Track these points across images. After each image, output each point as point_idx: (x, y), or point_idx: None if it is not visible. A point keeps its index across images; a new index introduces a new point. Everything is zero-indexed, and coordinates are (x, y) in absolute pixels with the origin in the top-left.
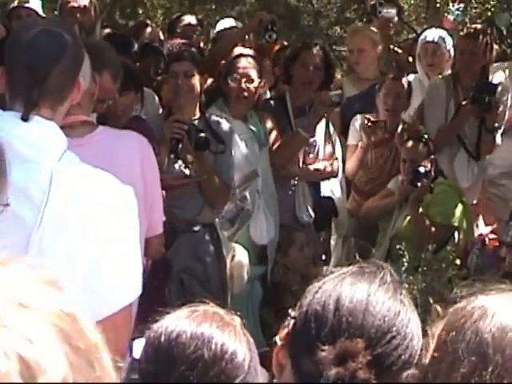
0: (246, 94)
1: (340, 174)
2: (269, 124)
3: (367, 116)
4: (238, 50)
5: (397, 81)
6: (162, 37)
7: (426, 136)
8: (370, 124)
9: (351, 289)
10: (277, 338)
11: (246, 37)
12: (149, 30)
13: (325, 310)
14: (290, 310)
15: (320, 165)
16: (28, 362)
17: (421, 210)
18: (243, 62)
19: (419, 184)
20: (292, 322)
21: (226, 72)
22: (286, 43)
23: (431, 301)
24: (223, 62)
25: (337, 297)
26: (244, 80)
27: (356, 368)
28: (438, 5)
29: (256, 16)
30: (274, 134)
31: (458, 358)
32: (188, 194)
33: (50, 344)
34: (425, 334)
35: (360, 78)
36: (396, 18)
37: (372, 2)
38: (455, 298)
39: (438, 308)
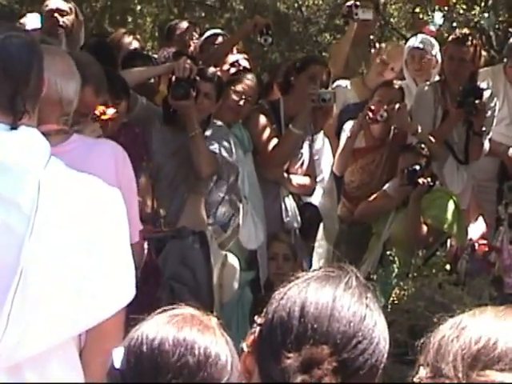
0: (240, 109)
1: (330, 183)
2: (262, 121)
3: (370, 106)
4: (235, 57)
5: (389, 87)
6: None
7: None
8: (370, 114)
9: (316, 294)
10: (244, 345)
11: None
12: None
13: (290, 317)
14: (256, 317)
15: (303, 179)
16: None
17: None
18: (251, 78)
19: (419, 181)
20: (258, 328)
21: (232, 81)
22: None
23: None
24: (219, 68)
25: (302, 303)
26: (244, 97)
27: (321, 375)
28: (420, 15)
29: (251, 20)
30: (267, 132)
31: None
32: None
33: None
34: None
35: (365, 85)
36: (373, 19)
37: (348, 4)
38: None
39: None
